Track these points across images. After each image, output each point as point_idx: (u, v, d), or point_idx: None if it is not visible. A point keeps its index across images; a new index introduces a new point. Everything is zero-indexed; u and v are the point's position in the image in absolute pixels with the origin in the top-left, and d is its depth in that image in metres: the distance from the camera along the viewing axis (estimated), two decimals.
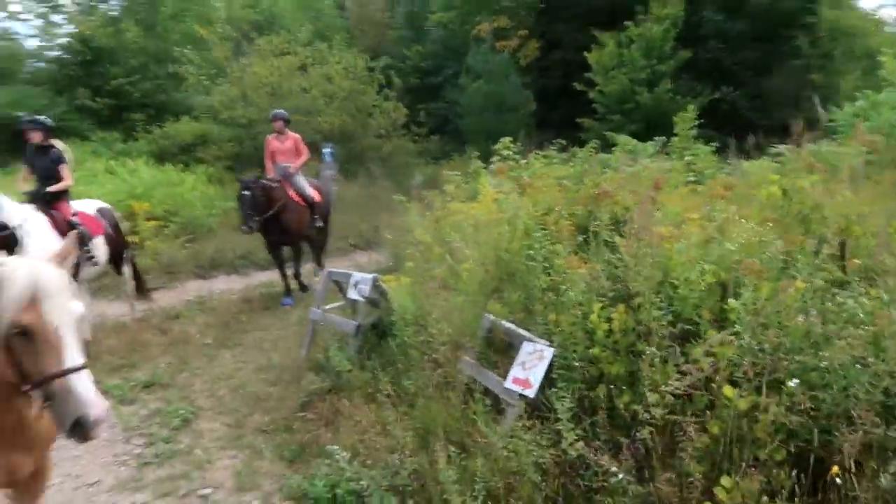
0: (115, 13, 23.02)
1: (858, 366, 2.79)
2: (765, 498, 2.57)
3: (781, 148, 8.10)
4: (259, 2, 29.42)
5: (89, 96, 18.57)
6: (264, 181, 7.83)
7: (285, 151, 8.39)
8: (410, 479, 3.52)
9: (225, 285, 9.14)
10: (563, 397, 3.33)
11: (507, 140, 9.56)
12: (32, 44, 23.08)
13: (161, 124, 17.97)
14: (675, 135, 10.61)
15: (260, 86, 17.55)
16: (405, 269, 6.05)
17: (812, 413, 2.77)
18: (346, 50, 22.08)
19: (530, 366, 3.82)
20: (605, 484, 2.96)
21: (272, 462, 4.15)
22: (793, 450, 2.77)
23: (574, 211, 4.84)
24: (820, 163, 7.41)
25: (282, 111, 8.94)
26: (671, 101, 16.00)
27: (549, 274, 4.12)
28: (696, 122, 11.55)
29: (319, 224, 8.67)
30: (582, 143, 11.39)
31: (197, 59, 19.34)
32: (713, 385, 2.98)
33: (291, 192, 8.09)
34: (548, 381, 3.66)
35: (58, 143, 6.62)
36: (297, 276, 8.39)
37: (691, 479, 2.76)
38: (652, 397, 2.94)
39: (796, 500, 2.60)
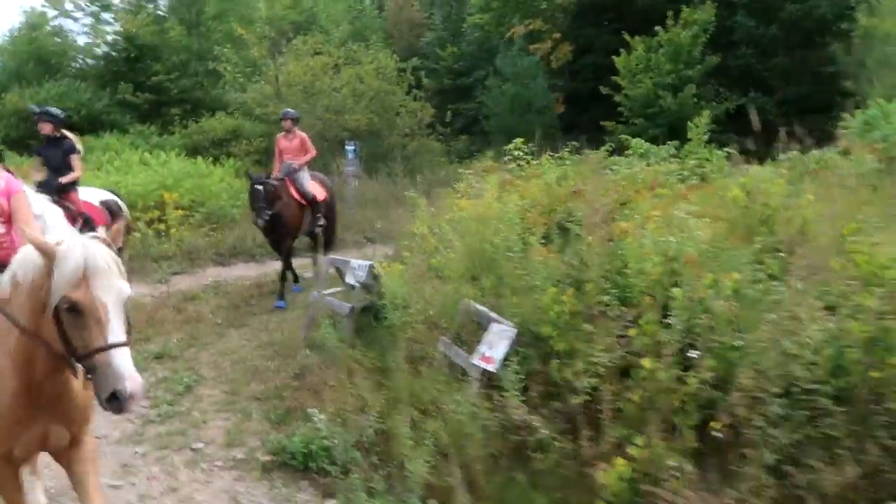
0: (161, 12, 24.00)
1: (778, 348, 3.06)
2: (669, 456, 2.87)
3: (791, 154, 8.27)
4: (300, 2, 30.19)
5: (130, 91, 19.42)
6: (270, 179, 8.01)
7: (292, 150, 8.59)
8: (375, 437, 3.89)
9: (242, 272, 9.63)
10: (515, 370, 3.68)
11: (519, 140, 9.85)
12: (82, 41, 24.21)
13: (196, 119, 18.71)
14: (689, 139, 10.75)
15: (293, 84, 18.14)
16: (402, 258, 6.42)
17: (725, 387, 3.06)
18: (381, 50, 22.62)
19: (496, 344, 4.15)
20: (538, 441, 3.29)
21: (260, 423, 4.56)
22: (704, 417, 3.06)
23: (554, 207, 5.15)
24: (823, 169, 7.59)
25: (291, 110, 9.17)
26: (695, 106, 16.07)
27: (520, 263, 4.45)
28: (719, 128, 11.69)
29: (322, 223, 8.69)
30: (613, 145, 11.65)
31: (235, 57, 20.05)
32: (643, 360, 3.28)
33: (293, 190, 8.21)
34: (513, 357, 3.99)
35: (70, 135, 6.98)
36: (288, 268, 8.34)
37: (609, 438, 3.07)
38: (576, 367, 3.26)
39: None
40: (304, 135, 8.84)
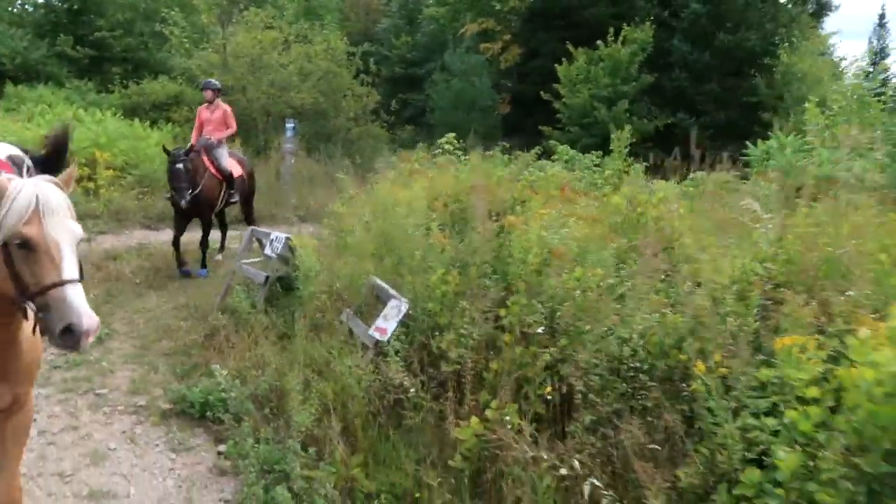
0: None
1: (612, 333, 3.58)
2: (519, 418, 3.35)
3: (696, 174, 8.99)
4: None
5: (70, 44, 18.96)
6: (187, 153, 7.75)
7: (214, 122, 8.38)
8: (270, 392, 4.27)
9: (168, 237, 9.73)
10: (400, 340, 4.12)
11: (451, 135, 10.31)
12: None
13: (138, 80, 18.45)
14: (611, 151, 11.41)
15: (240, 55, 18.11)
16: (321, 235, 6.79)
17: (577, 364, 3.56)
18: (333, 31, 22.70)
19: (390, 317, 4.57)
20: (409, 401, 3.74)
21: (165, 376, 4.86)
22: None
23: (459, 199, 5.61)
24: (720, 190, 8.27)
25: (213, 81, 8.94)
26: (627, 121, 16.86)
27: (418, 246, 4.89)
28: (648, 143, 12.41)
29: (235, 200, 8.53)
30: (543, 150, 12.26)
31: (183, 21, 19.82)
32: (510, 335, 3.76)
33: (209, 165, 8.03)
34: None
35: None
36: (203, 245, 8.19)
37: (469, 401, 3.54)
38: (449, 339, 3.72)
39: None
40: (227, 107, 8.66)
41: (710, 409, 2.75)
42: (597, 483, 2.71)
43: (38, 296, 2.20)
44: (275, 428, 4.02)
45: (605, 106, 17.11)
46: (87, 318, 2.17)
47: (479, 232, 4.45)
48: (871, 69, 29.39)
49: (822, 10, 27.74)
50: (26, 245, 2.20)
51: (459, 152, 10.20)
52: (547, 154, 12.73)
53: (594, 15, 21.11)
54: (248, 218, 9.11)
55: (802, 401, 2.40)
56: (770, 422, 2.47)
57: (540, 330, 3.55)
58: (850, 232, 3.89)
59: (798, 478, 2.22)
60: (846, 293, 3.40)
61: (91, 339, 2.21)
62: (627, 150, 12.26)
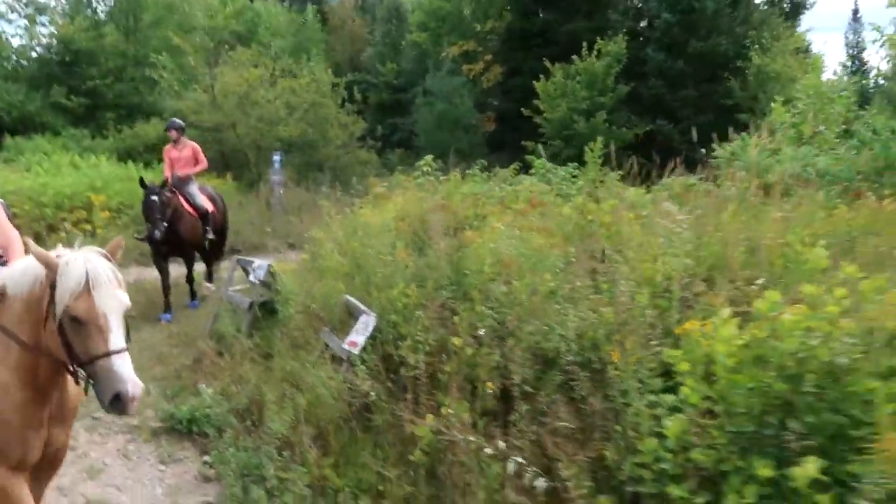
0: (99, 17, 24.11)
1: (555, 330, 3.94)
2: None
3: (666, 180, 9.37)
4: (242, 13, 30.59)
5: (64, 95, 19.56)
6: (164, 189, 7.85)
7: (183, 159, 8.44)
8: (250, 406, 4.64)
9: None
10: (367, 350, 4.50)
11: (429, 158, 10.74)
12: (17, 43, 24.08)
13: (131, 124, 19.04)
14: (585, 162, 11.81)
15: (228, 93, 18.69)
16: (303, 260, 7.18)
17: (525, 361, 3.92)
18: (319, 63, 23.33)
19: (361, 331, 4.95)
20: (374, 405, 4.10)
21: (156, 398, 5.24)
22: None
23: (424, 217, 5.99)
24: (686, 192, 8.64)
25: (176, 120, 9.00)
26: (607, 131, 17.31)
27: (384, 263, 5.27)
28: (629, 151, 12.76)
29: (211, 236, 8.58)
30: (523, 164, 12.67)
31: (171, 64, 20.44)
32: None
33: (182, 202, 8.09)
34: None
35: None
36: (189, 280, 8.47)
37: (425, 400, 3.90)
38: (405, 346, 4.09)
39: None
40: (194, 144, 8.74)
41: (624, 392, 3.11)
42: (520, 461, 3.05)
43: (87, 365, 2.36)
44: (254, 437, 4.38)
45: (583, 118, 17.57)
46: (133, 385, 2.31)
47: (435, 248, 4.82)
48: (849, 63, 29.90)
49: (796, 9, 28.34)
50: (77, 319, 2.34)
51: (439, 173, 10.62)
52: (527, 168, 13.14)
53: (570, 31, 21.66)
54: (218, 254, 9.13)
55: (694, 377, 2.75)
56: (670, 398, 2.82)
57: (482, 332, 3.91)
58: (773, 225, 4.26)
59: (684, 444, 2.57)
60: (757, 281, 3.77)
61: (137, 404, 2.37)
62: (608, 158, 12.73)
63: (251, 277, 6.78)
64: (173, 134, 8.54)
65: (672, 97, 18.80)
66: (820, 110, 11.91)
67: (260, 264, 6.71)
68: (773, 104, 12.20)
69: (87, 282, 2.35)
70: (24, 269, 2.54)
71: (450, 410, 3.73)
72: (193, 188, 8.45)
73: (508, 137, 23.35)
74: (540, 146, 18.94)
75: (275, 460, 3.99)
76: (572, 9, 22.44)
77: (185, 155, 8.51)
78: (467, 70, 25.67)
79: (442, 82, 21.53)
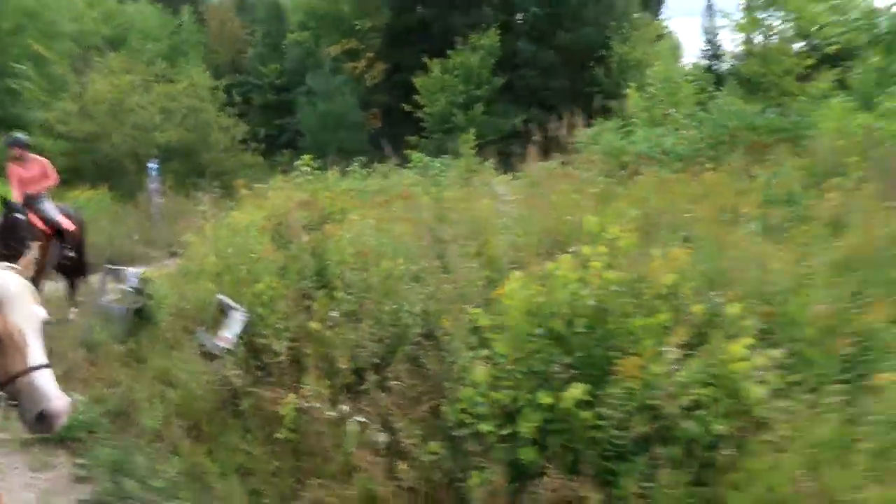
0: None
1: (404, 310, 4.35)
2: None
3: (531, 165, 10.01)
4: (112, 17, 29.29)
5: None
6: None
7: (34, 178, 7.87)
8: (124, 406, 4.78)
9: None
10: (237, 343, 4.75)
11: (307, 157, 10.95)
12: None
13: None
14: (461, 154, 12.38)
15: (100, 101, 18.02)
16: (178, 264, 7.27)
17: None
18: (198, 66, 22.81)
19: (233, 327, 5.18)
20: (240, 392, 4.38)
21: None
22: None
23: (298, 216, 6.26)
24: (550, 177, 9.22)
25: (19, 136, 8.28)
26: (486, 123, 18.01)
27: (251, 260, 5.52)
28: (510, 140, 13.42)
29: (71, 254, 8.07)
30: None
31: (34, 74, 19.44)
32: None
33: (35, 220, 7.55)
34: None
35: None
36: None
37: (291, 381, 4.22)
38: (268, 334, 4.39)
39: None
40: (43, 160, 8.22)
41: (452, 353, 3.54)
42: (361, 420, 3.43)
43: (7, 385, 2.21)
44: (127, 435, 4.54)
45: (462, 111, 18.20)
46: (58, 400, 2.18)
47: (297, 243, 5.13)
48: (707, 47, 32.07)
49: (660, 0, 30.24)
50: None
51: (318, 171, 10.85)
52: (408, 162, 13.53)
53: (446, 25, 22.25)
54: (80, 271, 8.61)
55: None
56: (485, 352, 3.27)
57: (335, 314, 4.26)
58: (580, 201, 4.85)
59: (492, 388, 3.02)
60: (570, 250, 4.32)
61: (64, 420, 2.24)
62: (484, 149, 13.36)
63: (123, 286, 6.83)
64: (16, 151, 7.81)
65: (545, 87, 19.74)
66: (670, 94, 12.97)
67: (131, 272, 6.77)
68: (627, 90, 13.19)
69: None
70: None
71: (308, 389, 4.07)
72: (47, 205, 7.92)
73: (395, 133, 23.76)
74: (421, 140, 19.58)
75: (147, 453, 4.19)
76: (448, 4, 23.07)
77: (34, 173, 7.95)
78: (350, 68, 25.82)
79: (323, 81, 21.62)
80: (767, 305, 3.36)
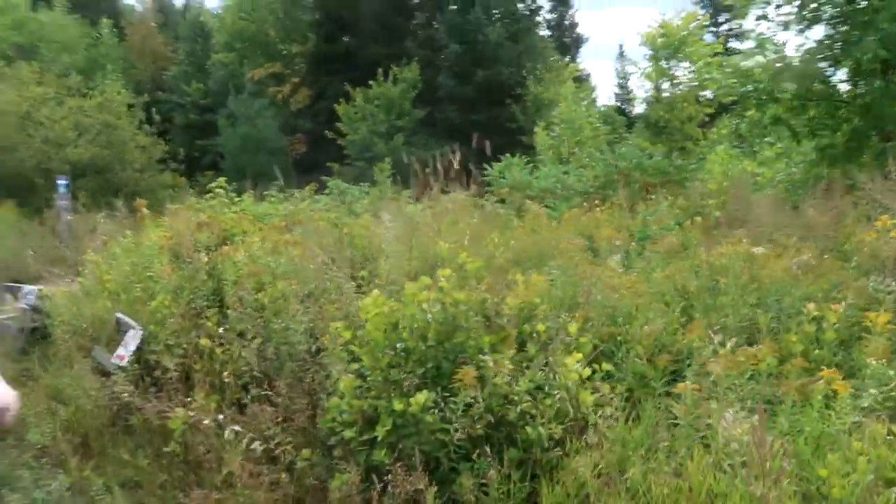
0: None
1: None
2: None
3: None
4: (24, 24, 28.35)
5: None
6: None
7: None
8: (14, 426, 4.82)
9: None
10: (130, 360, 4.88)
11: (221, 180, 11.06)
12: None
13: None
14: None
15: (6, 113, 17.47)
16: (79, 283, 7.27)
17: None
18: (115, 81, 22.36)
19: (129, 344, 5.30)
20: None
21: None
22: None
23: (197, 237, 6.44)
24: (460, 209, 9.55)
25: None
26: (407, 152, 18.43)
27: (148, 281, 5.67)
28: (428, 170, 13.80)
29: None
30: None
31: None
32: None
33: None
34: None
35: None
36: None
37: (182, 396, 4.40)
38: (159, 351, 4.58)
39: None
40: None
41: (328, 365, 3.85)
42: (237, 429, 3.68)
43: None
44: (13, 452, 4.59)
45: (383, 140, 18.63)
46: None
47: (190, 262, 5.33)
48: (618, 90, 33.64)
49: (577, 42, 31.80)
50: None
51: (233, 194, 10.99)
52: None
53: (370, 56, 22.76)
54: None
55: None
56: (355, 365, 3.60)
57: (221, 330, 4.49)
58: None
59: (355, 397, 3.33)
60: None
61: (13, 413, 2.22)
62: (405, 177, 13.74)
63: (20, 303, 6.78)
64: None
65: (464, 120, 20.43)
66: (573, 134, 13.78)
67: (29, 289, 6.74)
68: (535, 129, 13.94)
69: None
70: None
71: (196, 403, 4.28)
72: None
73: (319, 159, 23.96)
74: (344, 167, 19.87)
75: (33, 469, 4.27)
76: (371, 35, 23.66)
77: None
78: (274, 92, 25.95)
79: (245, 104, 21.63)
80: (611, 326, 3.83)
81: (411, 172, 13.80)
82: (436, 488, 2.77)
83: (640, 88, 32.06)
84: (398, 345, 3.16)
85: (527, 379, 3.04)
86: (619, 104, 29.70)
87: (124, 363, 5.14)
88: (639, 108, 29.26)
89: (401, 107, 19.70)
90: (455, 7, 22.29)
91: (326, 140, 23.65)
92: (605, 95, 54.65)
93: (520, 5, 24.47)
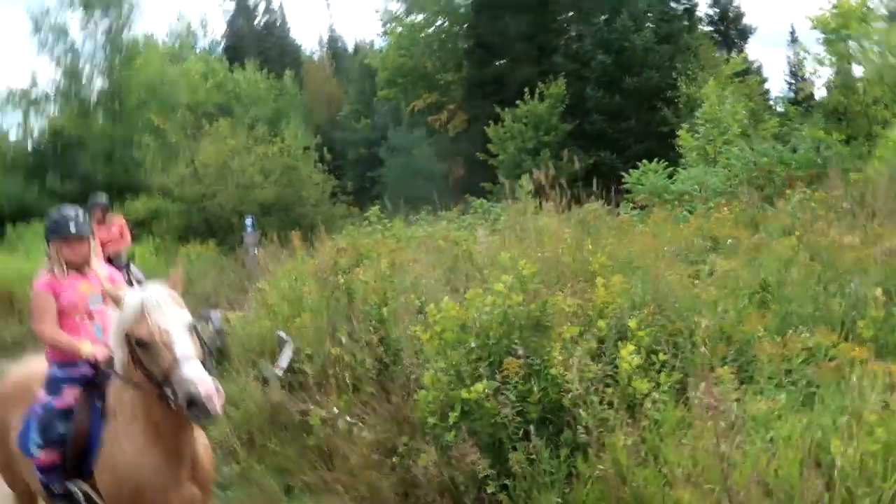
0: (87, 105, 26.01)
1: None
2: None
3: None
4: (223, 85, 32.48)
5: (58, 182, 21.28)
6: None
7: (113, 239, 8.39)
8: None
9: None
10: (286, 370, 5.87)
11: (376, 209, 12.26)
12: (13, 136, 25.97)
13: (121, 203, 20.65)
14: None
15: (209, 164, 20.35)
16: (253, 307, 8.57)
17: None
18: (298, 126, 25.10)
19: (285, 356, 6.31)
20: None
21: None
22: None
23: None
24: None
25: (101, 199, 8.65)
26: (555, 166, 18.79)
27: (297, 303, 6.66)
28: (579, 183, 14.21)
29: None
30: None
31: (154, 143, 22.21)
32: None
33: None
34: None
35: None
36: None
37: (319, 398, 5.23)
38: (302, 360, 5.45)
39: None
40: (120, 220, 8.78)
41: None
42: (349, 419, 4.36)
43: (164, 382, 2.49)
44: None
45: (531, 157, 19.12)
46: (201, 384, 2.37)
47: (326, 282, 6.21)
48: (792, 81, 31.40)
49: (741, 35, 30.22)
50: (141, 343, 2.54)
51: (385, 221, 12.15)
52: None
53: (522, 76, 23.40)
54: None
55: None
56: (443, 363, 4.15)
57: (345, 340, 5.25)
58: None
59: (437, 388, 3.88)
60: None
61: (218, 402, 2.45)
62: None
63: (210, 326, 8.18)
64: (98, 214, 8.20)
65: (614, 129, 20.36)
66: (721, 133, 13.35)
67: (215, 315, 8.12)
68: (679, 131, 13.69)
69: (142, 307, 2.57)
70: (112, 315, 2.87)
71: (329, 402, 5.07)
72: (129, 265, 8.66)
73: (476, 181, 24.96)
74: (496, 186, 20.58)
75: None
76: (522, 56, 24.30)
77: (114, 234, 8.44)
78: (433, 120, 27.47)
79: (403, 136, 23.24)
80: (675, 321, 4.07)
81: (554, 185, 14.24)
82: (488, 460, 3.24)
83: (814, 75, 29.42)
84: (469, 343, 3.68)
85: (574, 368, 3.41)
86: (793, 93, 27.67)
87: (281, 373, 6.14)
88: (818, 95, 27.10)
89: (548, 122, 20.11)
90: (604, 17, 22.29)
91: (482, 162, 24.57)
92: (778, 86, 50.60)
93: (675, 5, 23.90)
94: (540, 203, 13.11)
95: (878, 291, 3.53)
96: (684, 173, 11.40)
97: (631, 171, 12.10)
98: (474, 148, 26.21)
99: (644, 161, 12.11)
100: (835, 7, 20.16)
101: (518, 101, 20.71)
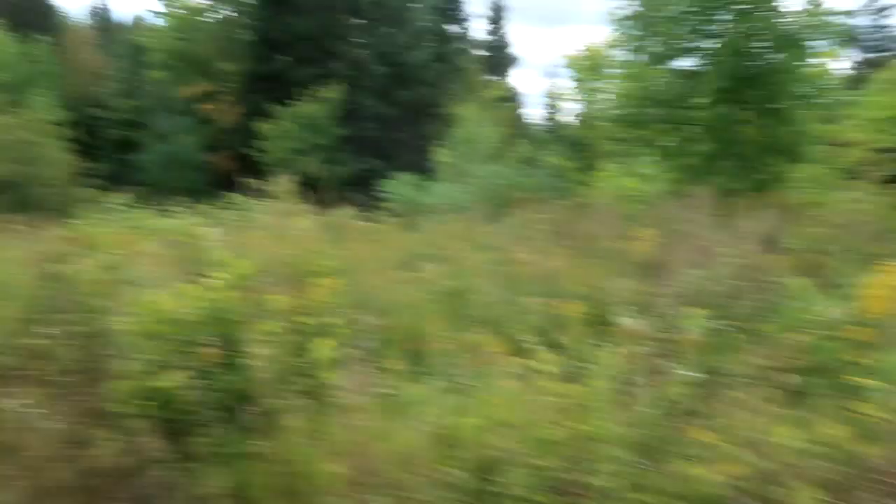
0: None
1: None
2: None
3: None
4: None
5: None
6: None
7: None
8: None
9: None
10: None
11: (124, 196, 11.55)
12: None
13: None
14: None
15: None
16: None
17: None
18: (47, 97, 22.53)
19: None
20: None
21: None
22: None
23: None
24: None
25: None
26: (327, 169, 19.09)
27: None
28: (352, 186, 14.42)
29: None
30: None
31: None
32: None
33: None
34: None
35: None
36: None
37: None
38: None
39: None
40: None
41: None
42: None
43: None
44: None
45: (302, 158, 19.24)
46: None
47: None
48: (549, 108, 34.78)
49: (506, 63, 33.08)
50: None
51: (132, 208, 11.52)
52: None
53: (302, 76, 23.38)
54: None
55: None
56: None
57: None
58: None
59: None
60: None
61: None
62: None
63: None
64: None
65: (385, 138, 21.19)
66: (474, 153, 14.61)
67: None
68: (436, 147, 14.73)
69: None
70: None
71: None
72: None
73: (246, 176, 24.36)
74: (255, 182, 20.40)
75: None
76: (304, 57, 24.27)
77: None
78: (205, 109, 26.29)
79: (169, 122, 22.00)
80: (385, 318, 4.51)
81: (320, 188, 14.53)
82: (173, 446, 3.38)
83: (564, 109, 33.28)
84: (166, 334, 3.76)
85: (268, 360, 3.66)
86: (549, 122, 30.85)
87: None
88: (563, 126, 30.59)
89: (323, 125, 20.35)
90: (386, 30, 23.09)
91: (252, 158, 24.09)
92: (538, 114, 56.41)
93: (451, 27, 25.45)
94: (300, 203, 13.39)
95: (531, 300, 4.25)
96: (436, 187, 12.30)
97: (388, 181, 12.75)
98: (245, 143, 25.61)
99: (401, 173, 12.84)
100: (586, 49, 23.11)
101: (295, 101, 20.65)
